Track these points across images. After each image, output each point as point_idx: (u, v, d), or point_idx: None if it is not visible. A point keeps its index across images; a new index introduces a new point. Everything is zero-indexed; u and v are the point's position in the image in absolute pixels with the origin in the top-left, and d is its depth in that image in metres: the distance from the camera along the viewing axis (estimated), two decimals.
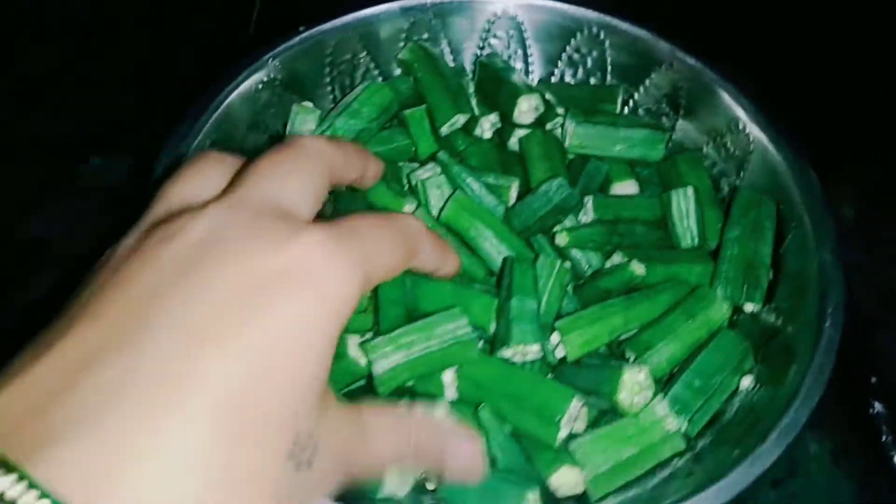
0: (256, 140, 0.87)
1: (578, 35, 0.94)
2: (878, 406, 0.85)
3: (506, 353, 0.71)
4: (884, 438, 0.83)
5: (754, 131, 0.84)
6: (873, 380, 0.86)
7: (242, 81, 0.83)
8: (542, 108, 0.89)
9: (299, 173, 0.40)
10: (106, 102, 1.17)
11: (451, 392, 0.72)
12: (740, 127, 0.85)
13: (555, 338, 0.73)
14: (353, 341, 0.73)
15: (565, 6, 0.92)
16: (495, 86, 0.90)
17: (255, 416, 0.32)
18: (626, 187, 0.89)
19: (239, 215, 0.36)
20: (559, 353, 0.74)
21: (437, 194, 0.82)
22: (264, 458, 0.32)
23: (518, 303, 0.70)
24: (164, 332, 0.32)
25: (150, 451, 0.29)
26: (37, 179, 1.08)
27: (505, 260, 0.76)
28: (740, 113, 0.85)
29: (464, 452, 0.45)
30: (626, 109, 0.95)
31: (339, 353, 0.72)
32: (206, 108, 0.80)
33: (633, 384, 0.69)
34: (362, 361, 0.73)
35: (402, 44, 0.94)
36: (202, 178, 0.42)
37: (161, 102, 1.04)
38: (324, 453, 0.35)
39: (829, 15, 1.27)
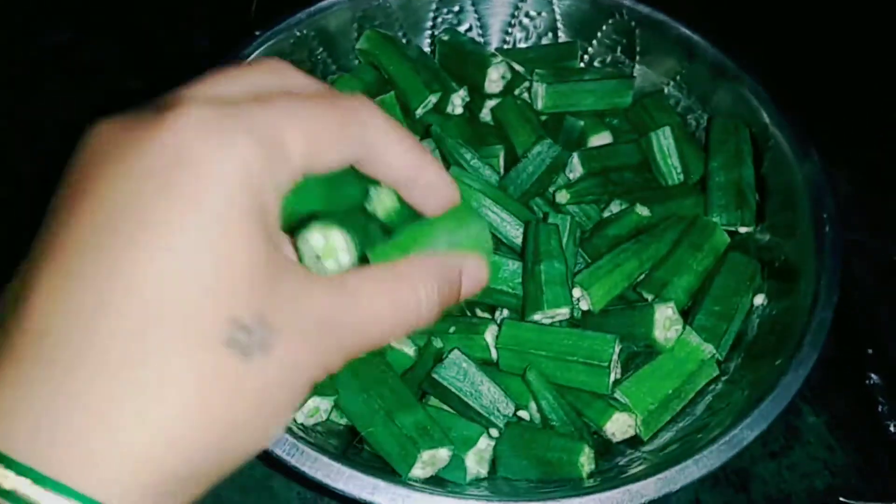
0: None
1: None
2: (874, 377, 0.89)
3: (537, 317, 0.72)
4: (880, 409, 0.87)
5: (713, 64, 0.88)
6: (870, 351, 0.91)
7: None
8: (509, 76, 0.90)
9: (249, 77, 0.36)
10: (110, 86, 1.13)
11: (494, 356, 0.73)
12: (697, 62, 0.89)
13: (577, 292, 0.75)
14: None
15: None
16: (460, 60, 0.91)
17: (176, 313, 0.29)
18: (601, 138, 0.91)
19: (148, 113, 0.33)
20: (584, 306, 0.75)
21: None
22: (193, 352, 0.29)
23: (547, 267, 0.71)
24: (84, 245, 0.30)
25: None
26: (39, 168, 1.02)
27: (527, 224, 0.76)
28: (696, 50, 0.89)
29: (476, 274, 0.40)
30: (582, 64, 0.98)
31: (383, 349, 0.72)
32: None
33: (665, 320, 0.72)
34: (406, 349, 0.73)
35: (356, 34, 0.93)
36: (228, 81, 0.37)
37: (166, 88, 1.02)
38: (290, 333, 0.31)
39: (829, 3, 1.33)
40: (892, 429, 0.87)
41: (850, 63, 1.24)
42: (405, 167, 0.37)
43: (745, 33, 1.24)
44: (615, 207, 0.83)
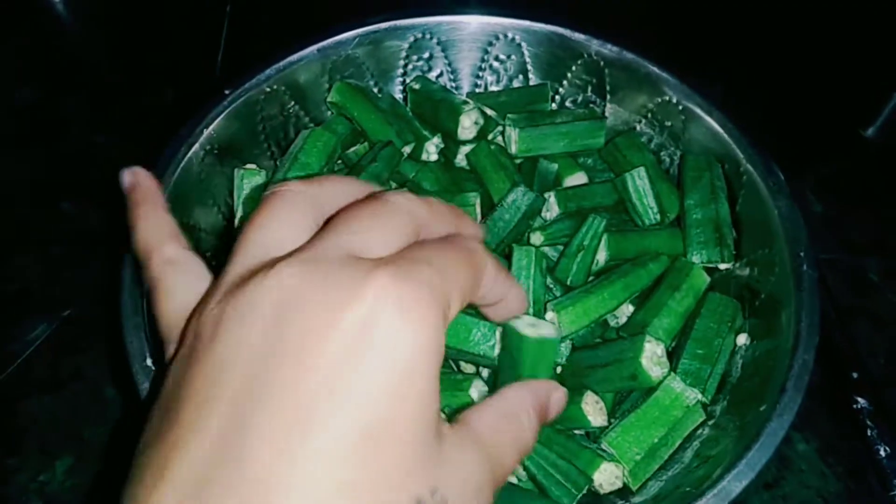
0: (208, 218, 0.84)
1: (496, 43, 0.95)
2: (861, 401, 0.88)
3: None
4: (869, 433, 0.87)
5: (683, 101, 0.88)
6: (855, 375, 0.90)
7: (181, 159, 0.80)
8: (482, 122, 0.90)
9: (383, 228, 0.40)
10: (78, 142, 1.13)
11: None
12: (668, 99, 0.89)
13: (549, 316, 0.75)
14: None
15: (478, 18, 0.94)
16: (432, 108, 0.91)
17: (374, 483, 0.32)
18: (576, 179, 0.91)
19: (314, 273, 0.35)
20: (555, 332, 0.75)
21: None
22: None
23: None
24: (258, 437, 0.32)
25: None
26: (7, 227, 1.04)
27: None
28: (666, 87, 0.89)
29: (561, 399, 0.48)
30: (553, 105, 0.98)
31: None
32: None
33: (653, 354, 0.72)
34: None
35: (326, 85, 0.92)
36: (281, 223, 0.41)
37: (132, 142, 1.01)
38: (457, 498, 0.34)
39: (792, 21, 1.34)
40: (881, 453, 0.87)
41: (811, 79, 1.26)
42: (499, 295, 0.46)
43: (706, 58, 1.25)
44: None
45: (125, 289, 0.70)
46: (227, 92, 0.85)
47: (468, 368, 0.77)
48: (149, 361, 0.66)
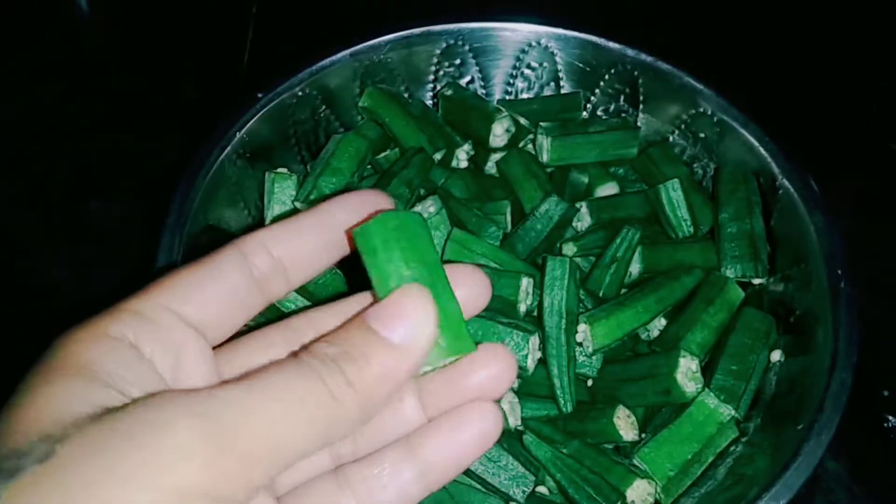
0: (238, 220, 0.84)
1: (529, 50, 0.94)
2: (892, 420, 0.87)
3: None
4: None
5: (718, 113, 0.87)
6: (885, 393, 0.89)
7: (214, 162, 0.79)
8: (513, 129, 0.90)
9: None
10: (99, 142, 1.12)
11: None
12: (702, 110, 0.88)
13: (582, 328, 0.74)
14: None
15: (511, 25, 0.93)
16: (464, 114, 0.90)
17: None
18: (608, 189, 0.91)
19: None
20: (587, 345, 0.74)
21: (436, 235, 0.81)
22: None
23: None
24: None
25: None
26: (36, 227, 1.03)
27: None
28: (700, 98, 0.88)
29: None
30: (585, 114, 0.97)
31: None
32: (186, 197, 0.76)
33: (687, 369, 0.71)
34: None
35: (358, 90, 0.92)
36: None
37: (160, 141, 1.00)
38: None
39: (819, 32, 1.32)
40: None
41: (838, 91, 1.24)
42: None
43: (730, 69, 1.24)
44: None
45: None
46: (259, 96, 0.85)
47: None
48: None
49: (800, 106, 1.24)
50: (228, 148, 0.81)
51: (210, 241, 0.79)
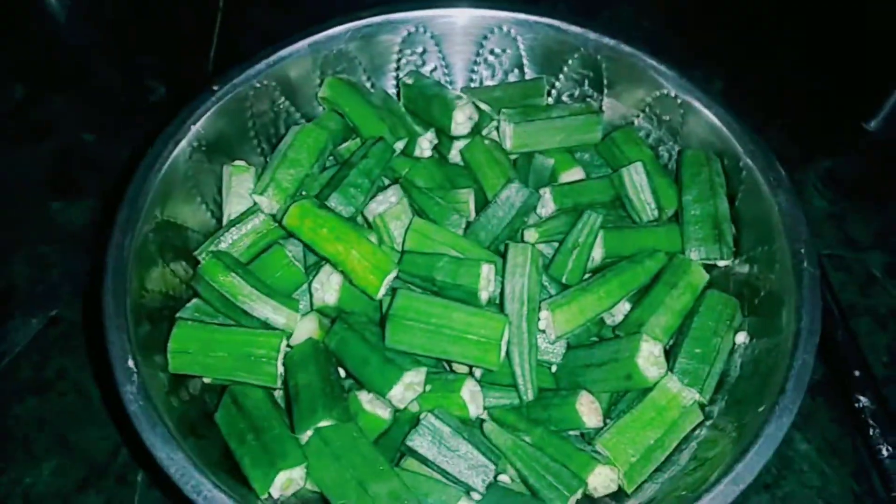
0: (196, 216, 0.83)
1: (491, 36, 0.93)
2: (863, 400, 0.86)
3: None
4: (871, 432, 0.84)
5: (682, 95, 0.86)
6: (857, 373, 0.88)
7: (168, 156, 0.78)
8: (476, 117, 0.88)
9: None
10: (65, 141, 1.11)
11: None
12: (667, 93, 0.87)
13: (544, 315, 0.73)
14: (364, 397, 0.71)
15: (472, 11, 0.92)
16: (425, 103, 0.89)
17: None
18: (573, 174, 0.90)
19: None
20: (549, 332, 0.73)
21: (397, 225, 0.80)
22: None
23: None
24: None
25: None
26: None
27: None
28: (664, 80, 0.87)
29: None
30: (549, 99, 0.96)
31: (357, 411, 0.70)
32: (139, 194, 0.75)
33: (650, 353, 0.70)
34: (380, 412, 0.71)
35: (318, 81, 0.91)
36: None
37: (121, 139, 0.99)
38: None
39: (793, 13, 1.31)
40: (884, 452, 0.85)
41: (813, 72, 1.23)
42: None
43: (705, 52, 1.23)
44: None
45: (107, 288, 0.69)
46: (215, 88, 0.84)
47: (461, 369, 0.75)
48: (131, 363, 0.65)
49: (773, 86, 1.23)
50: (183, 142, 0.80)
51: (167, 239, 0.78)
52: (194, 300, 0.77)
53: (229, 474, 0.65)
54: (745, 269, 0.80)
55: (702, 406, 0.72)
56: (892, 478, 0.82)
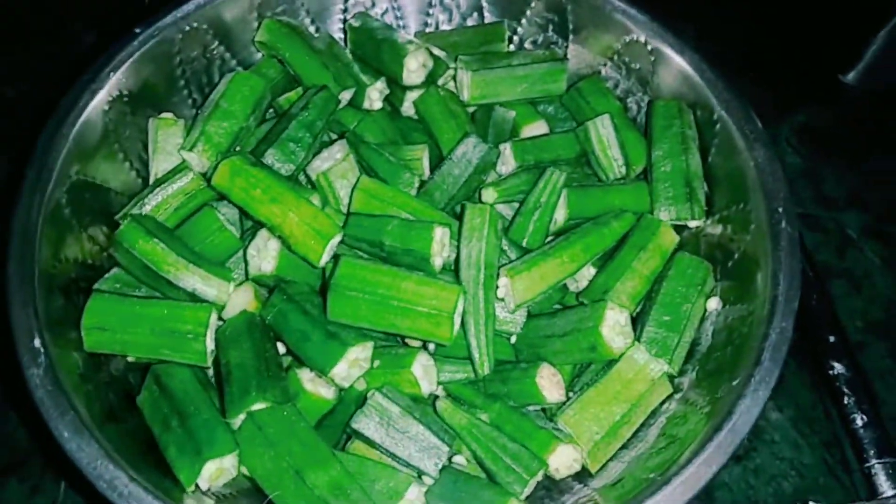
0: (119, 176, 0.75)
1: None
2: (837, 367, 0.82)
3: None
4: (846, 401, 0.80)
5: (652, 41, 0.79)
6: (831, 339, 0.83)
7: (84, 108, 0.70)
8: (430, 64, 0.81)
9: None
10: None
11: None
12: (636, 39, 0.80)
13: (503, 282, 0.67)
14: (305, 375, 0.65)
15: None
16: (374, 48, 0.81)
17: None
18: (535, 128, 0.83)
19: None
20: (509, 301, 0.68)
21: (343, 185, 0.72)
22: None
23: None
24: None
25: None
26: None
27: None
28: (633, 24, 0.80)
29: None
30: (511, 46, 0.89)
31: (297, 392, 0.64)
32: (49, 150, 0.67)
33: (615, 322, 0.65)
34: (323, 392, 0.65)
35: (255, 23, 0.82)
36: None
37: (46, 93, 0.90)
38: None
39: None
40: (858, 421, 0.82)
41: (788, 19, 1.17)
42: None
43: (681, 4, 1.16)
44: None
45: (12, 257, 0.61)
46: (137, 31, 0.75)
47: (413, 342, 0.69)
48: (38, 342, 0.58)
49: (745, 35, 1.17)
50: (101, 92, 0.72)
51: (83, 200, 0.70)
52: (114, 270, 0.69)
53: (155, 465, 0.59)
54: (718, 230, 0.74)
55: (671, 378, 0.68)
56: (866, 448, 0.78)
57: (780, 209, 0.67)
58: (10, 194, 0.90)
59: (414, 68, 0.79)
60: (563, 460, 0.63)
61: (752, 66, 1.12)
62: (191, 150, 0.71)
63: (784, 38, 1.16)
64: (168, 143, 0.75)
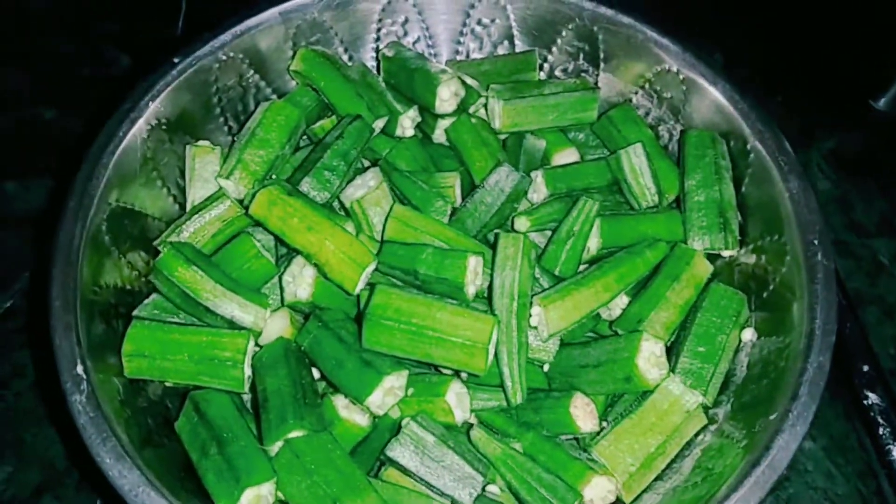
0: (157, 202, 0.76)
1: (478, 5, 0.86)
2: (872, 397, 0.81)
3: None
4: (881, 431, 0.79)
5: (684, 70, 0.80)
6: (865, 368, 0.83)
7: (123, 136, 0.71)
8: (462, 93, 0.81)
9: None
10: (21, 116, 1.03)
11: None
12: (667, 68, 0.81)
13: (536, 311, 0.67)
14: (340, 402, 0.65)
15: None
16: (407, 77, 0.82)
17: None
18: (566, 156, 0.83)
19: None
20: (542, 329, 0.67)
21: (376, 212, 0.73)
22: None
23: None
24: None
25: None
26: None
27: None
28: (665, 54, 0.81)
29: None
30: (541, 74, 0.89)
31: (332, 419, 0.64)
32: (90, 178, 0.68)
33: (650, 354, 0.64)
34: (358, 419, 0.65)
35: (290, 53, 0.83)
36: None
37: (82, 116, 0.92)
38: None
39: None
40: (894, 453, 0.81)
41: (817, 45, 1.17)
42: None
43: (704, 23, 1.16)
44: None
45: (54, 283, 0.62)
46: (176, 61, 0.76)
47: (447, 371, 0.69)
48: (80, 369, 0.58)
49: (774, 60, 1.17)
50: (140, 120, 0.73)
51: (123, 227, 0.71)
52: (153, 296, 0.70)
53: (193, 490, 0.59)
54: (752, 260, 0.74)
55: (705, 409, 0.67)
56: None
57: (816, 241, 0.67)
58: (49, 217, 0.92)
59: (446, 97, 0.80)
60: (597, 491, 0.63)
61: (781, 90, 1.12)
62: (228, 177, 0.72)
63: (813, 64, 1.16)
64: (205, 170, 0.76)
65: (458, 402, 0.65)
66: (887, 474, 0.80)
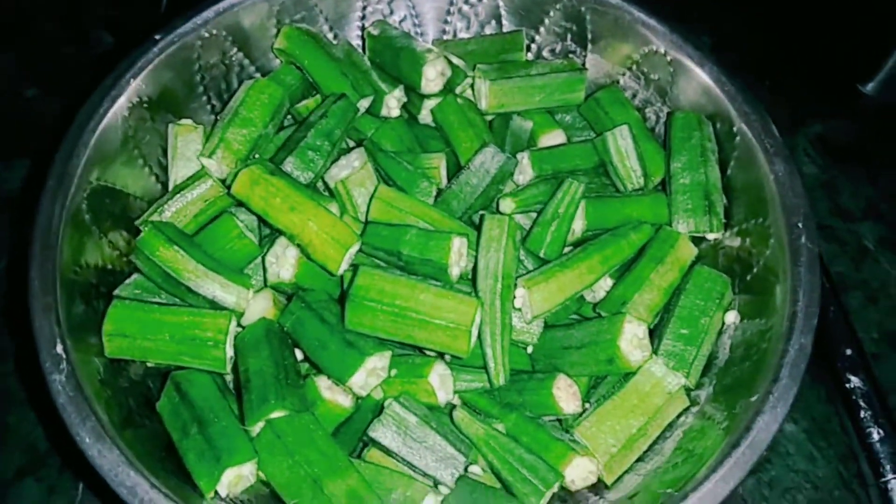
0: (138, 181, 0.75)
1: None
2: (854, 380, 0.81)
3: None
4: (862, 414, 0.79)
5: (671, 51, 0.79)
6: (848, 351, 0.83)
7: (104, 114, 0.70)
8: (448, 73, 0.81)
9: None
10: (6, 98, 1.01)
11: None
12: (655, 49, 0.80)
13: (520, 293, 0.67)
14: (322, 383, 0.65)
15: None
16: (393, 56, 0.81)
17: None
18: (553, 137, 0.83)
19: None
20: (526, 311, 0.67)
21: (361, 193, 0.73)
22: None
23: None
24: None
25: None
26: None
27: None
28: (653, 35, 0.80)
29: None
30: (529, 54, 0.88)
31: (314, 399, 0.64)
32: (70, 156, 0.67)
33: (633, 336, 0.64)
34: (340, 399, 0.65)
35: (274, 30, 0.82)
36: None
37: (65, 95, 0.90)
38: None
39: None
40: (875, 435, 0.81)
41: (806, 28, 1.16)
42: None
43: (691, 4, 1.16)
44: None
45: (33, 263, 0.61)
46: (157, 37, 0.75)
47: (431, 352, 0.69)
48: (60, 348, 0.58)
49: (762, 43, 1.17)
50: (121, 98, 0.72)
51: (104, 206, 0.70)
52: (134, 276, 0.69)
53: (174, 470, 0.59)
54: (737, 243, 0.74)
55: (688, 391, 0.67)
56: (882, 462, 0.78)
57: (801, 224, 0.67)
58: (30, 198, 0.91)
59: (432, 77, 0.79)
60: (579, 472, 0.63)
61: (770, 74, 1.11)
62: (210, 156, 0.71)
63: (803, 48, 1.15)
64: (187, 149, 0.75)
65: (441, 383, 0.65)
66: (868, 457, 0.81)
